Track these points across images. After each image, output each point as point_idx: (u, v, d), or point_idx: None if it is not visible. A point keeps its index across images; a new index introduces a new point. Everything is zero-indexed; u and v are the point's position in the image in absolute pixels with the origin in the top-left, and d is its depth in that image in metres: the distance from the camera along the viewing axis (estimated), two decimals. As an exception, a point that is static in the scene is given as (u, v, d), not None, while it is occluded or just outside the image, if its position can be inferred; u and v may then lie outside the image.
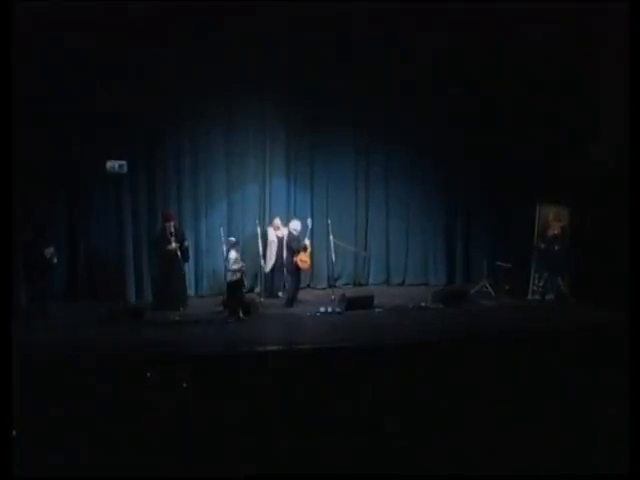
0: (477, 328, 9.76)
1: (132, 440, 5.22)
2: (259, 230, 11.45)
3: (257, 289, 11.84)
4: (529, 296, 11.82)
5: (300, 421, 5.59)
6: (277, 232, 11.70)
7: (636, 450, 4.45)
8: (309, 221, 11.42)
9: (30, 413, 5.33)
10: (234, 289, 10.24)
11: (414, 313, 10.79)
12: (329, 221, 11.65)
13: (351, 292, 11.51)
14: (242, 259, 10.56)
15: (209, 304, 11.15)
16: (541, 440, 5.22)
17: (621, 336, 5.90)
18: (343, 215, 12.61)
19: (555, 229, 11.64)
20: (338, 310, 10.68)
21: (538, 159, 11.55)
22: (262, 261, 11.42)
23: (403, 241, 13.06)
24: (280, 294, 11.72)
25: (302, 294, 11.54)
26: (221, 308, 10.46)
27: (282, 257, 11.57)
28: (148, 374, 6.45)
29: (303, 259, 11.06)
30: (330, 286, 11.95)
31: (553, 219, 11.71)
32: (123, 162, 10.61)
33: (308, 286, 12.26)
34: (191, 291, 11.68)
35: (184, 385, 6.21)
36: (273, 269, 11.72)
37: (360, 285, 12.86)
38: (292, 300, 11.05)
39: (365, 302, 10.89)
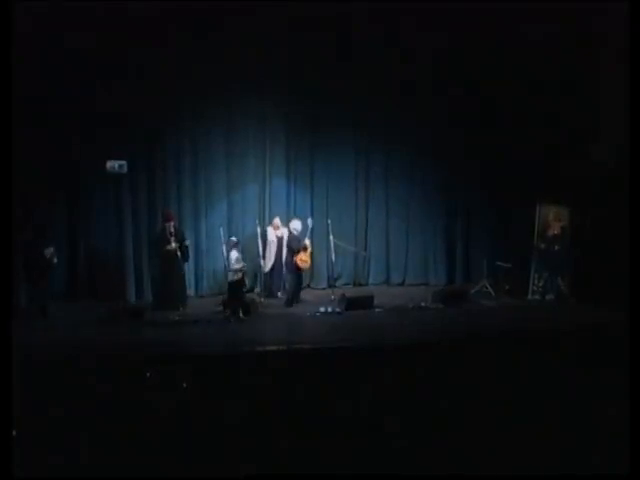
0: (477, 328, 9.76)
1: (132, 440, 5.22)
2: (259, 230, 11.45)
3: (257, 289, 11.84)
4: (529, 296, 11.82)
5: (300, 421, 5.59)
6: (277, 232, 11.70)
7: (636, 450, 4.45)
8: (310, 221, 11.41)
9: (30, 413, 5.33)
10: (235, 289, 10.25)
11: (414, 313, 10.79)
12: (329, 221, 11.65)
13: (351, 292, 11.51)
14: (243, 259, 10.57)
15: (209, 304, 11.15)
16: (541, 440, 5.22)
17: (621, 336, 5.90)
18: (343, 215, 12.61)
19: (555, 229, 11.64)
20: (338, 310, 10.68)
21: (538, 159, 11.55)
22: (262, 261, 11.42)
23: (403, 241, 13.05)
24: (279, 294, 11.73)
25: (302, 294, 11.55)
26: (221, 308, 10.46)
27: (281, 257, 11.57)
28: (148, 374, 6.45)
29: (303, 259, 11.07)
30: (330, 286, 11.94)
31: (553, 219, 11.71)
32: (123, 162, 10.60)
33: (308, 286, 12.26)
34: (191, 291, 11.69)
35: (184, 385, 6.20)
36: (272, 269, 11.72)
37: (360, 285, 12.85)
38: (292, 300, 11.06)
39: (365, 302, 10.89)
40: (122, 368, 6.96)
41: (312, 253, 11.51)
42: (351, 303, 10.72)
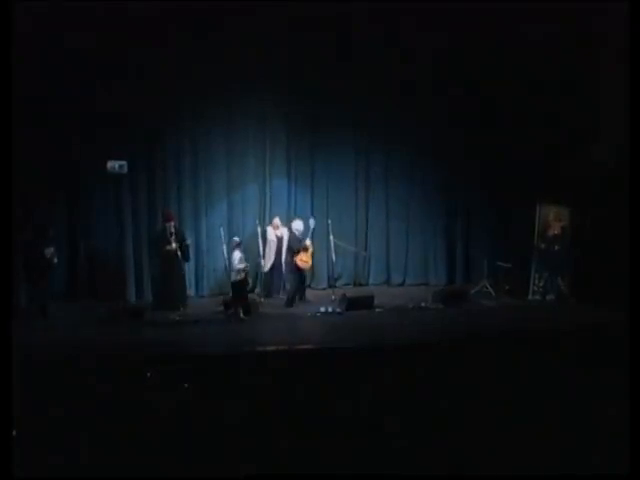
0: (477, 328, 9.76)
1: (132, 440, 5.22)
2: (259, 230, 11.46)
3: (257, 289, 11.84)
4: (529, 296, 11.81)
5: (300, 421, 5.59)
6: (276, 231, 11.69)
7: (636, 450, 4.45)
8: (312, 221, 11.39)
9: (30, 413, 5.32)
10: (239, 288, 10.26)
11: (414, 313, 10.79)
12: (329, 221, 11.65)
13: (351, 292, 11.50)
14: (245, 259, 10.59)
15: (209, 304, 11.16)
16: (541, 440, 5.21)
17: (621, 336, 5.90)
18: (343, 215, 12.61)
19: (555, 229, 11.65)
20: (338, 310, 10.68)
21: (538, 159, 11.54)
22: (262, 261, 11.42)
23: (403, 241, 13.06)
24: (280, 294, 11.72)
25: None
26: (222, 308, 10.46)
27: (281, 257, 11.58)
28: (148, 374, 6.45)
29: (304, 259, 11.07)
30: (330, 286, 11.95)
31: (553, 219, 11.71)
32: (123, 162, 10.59)
33: (308, 286, 12.25)
34: (191, 291, 11.70)
35: (185, 385, 6.20)
36: (272, 268, 11.71)
37: (360, 285, 12.86)
38: (292, 300, 11.05)
39: (365, 302, 10.88)
40: (122, 368, 6.96)
41: (313, 253, 11.50)
42: (352, 303, 10.72)
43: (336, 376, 6.66)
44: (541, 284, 11.73)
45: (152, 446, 5.15)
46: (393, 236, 13.02)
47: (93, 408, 5.81)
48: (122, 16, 10.41)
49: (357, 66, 11.95)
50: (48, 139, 10.60)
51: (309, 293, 11.80)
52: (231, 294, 10.35)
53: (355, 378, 6.58)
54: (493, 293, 11.88)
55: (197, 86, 11.45)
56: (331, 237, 11.44)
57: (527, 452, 5.06)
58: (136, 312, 10.17)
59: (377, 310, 10.80)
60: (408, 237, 13.04)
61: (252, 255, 11.40)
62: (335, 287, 11.89)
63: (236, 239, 10.69)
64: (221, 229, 11.21)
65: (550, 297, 11.58)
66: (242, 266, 10.26)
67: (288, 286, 11.47)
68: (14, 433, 4.57)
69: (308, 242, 11.16)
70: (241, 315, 10.02)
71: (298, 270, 11.10)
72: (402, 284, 13.03)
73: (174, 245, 10.68)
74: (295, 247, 11.06)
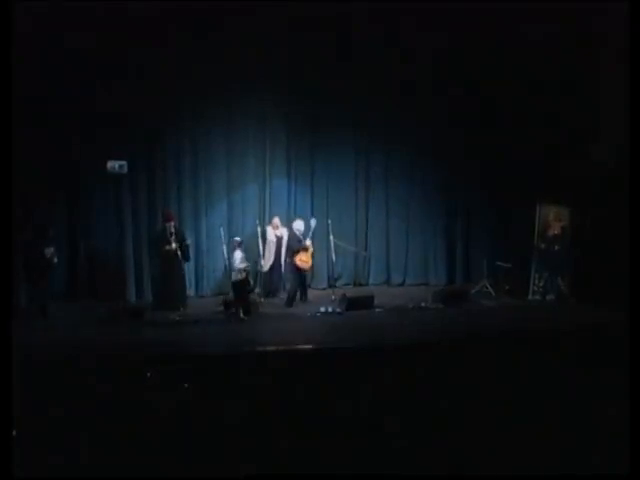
0: (477, 328, 9.76)
1: (132, 440, 5.22)
2: (259, 230, 11.45)
3: (257, 289, 11.84)
4: (529, 296, 11.81)
5: (300, 421, 5.58)
6: (276, 231, 11.69)
7: (636, 450, 4.45)
8: (313, 221, 11.38)
9: (30, 413, 5.32)
10: (240, 288, 10.26)
11: (414, 313, 10.79)
12: (329, 221, 11.65)
13: (351, 292, 11.51)
14: (246, 259, 10.60)
15: (209, 304, 11.16)
16: (541, 440, 5.21)
17: (621, 336, 5.90)
18: (343, 215, 12.62)
19: (555, 229, 11.65)
20: (338, 310, 10.67)
21: (538, 159, 11.55)
22: (261, 260, 11.42)
23: (403, 241, 13.06)
24: (280, 294, 11.72)
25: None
26: (222, 308, 10.46)
27: (280, 256, 11.57)
28: (148, 374, 6.45)
29: (303, 259, 11.06)
30: (330, 286, 11.95)
31: (553, 219, 11.71)
32: (123, 162, 10.60)
33: (309, 286, 12.25)
34: (191, 291, 11.70)
35: (185, 385, 6.20)
36: (272, 268, 11.71)
37: (360, 285, 12.87)
38: (292, 300, 11.05)
39: (365, 302, 10.89)
40: (122, 368, 6.96)
41: (313, 253, 11.50)
42: (351, 303, 10.72)
43: (336, 376, 6.65)
44: (541, 284, 11.73)
45: (152, 446, 5.15)
46: (393, 236, 13.03)
47: (93, 408, 5.80)
48: (122, 16, 10.41)
49: (357, 66, 11.95)
50: (48, 139, 10.60)
51: (309, 293, 11.80)
52: (232, 294, 10.36)
53: (355, 378, 6.57)
54: (493, 293, 11.88)
55: (197, 86, 11.45)
56: (331, 237, 11.44)
57: (527, 452, 5.06)
58: (136, 312, 10.17)
59: (377, 310, 10.79)
60: (408, 237, 13.05)
61: (252, 255, 11.40)
62: (335, 287, 11.89)
63: (237, 239, 10.73)
64: (221, 229, 11.21)
65: (550, 297, 11.58)
66: (243, 266, 10.28)
67: (288, 286, 11.47)
68: (14, 433, 4.57)
69: (308, 242, 11.15)
70: (241, 315, 10.02)
71: (298, 270, 11.10)
72: (402, 284, 13.03)
73: (174, 245, 10.68)
74: (294, 247, 11.06)
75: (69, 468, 4.90)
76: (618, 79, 9.50)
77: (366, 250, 12.89)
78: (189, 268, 11.49)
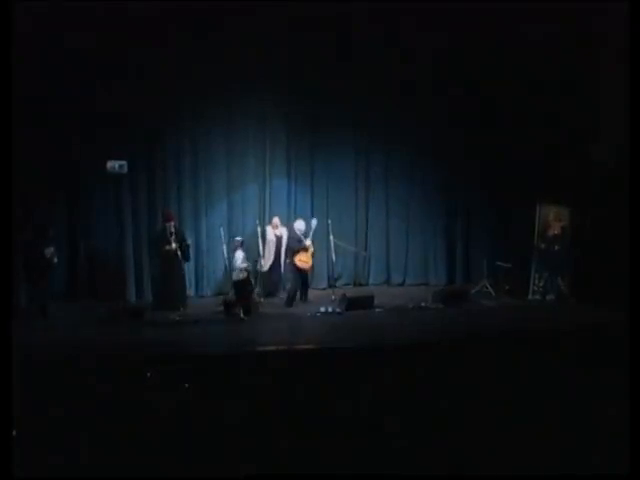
0: (477, 328, 9.75)
1: (132, 440, 5.22)
2: (259, 230, 11.46)
3: (257, 289, 11.83)
4: (529, 296, 11.81)
5: (300, 421, 5.58)
6: (276, 231, 11.69)
7: (636, 450, 4.45)
8: (314, 221, 11.36)
9: (30, 413, 5.32)
10: (241, 288, 10.27)
11: (414, 313, 10.78)
12: (329, 221, 11.64)
13: (351, 292, 11.51)
14: (247, 259, 10.60)
15: (209, 304, 11.16)
16: (541, 440, 5.21)
17: (621, 336, 5.90)
18: (343, 215, 12.62)
19: (555, 229, 11.65)
20: (338, 310, 10.67)
21: (538, 159, 11.55)
22: (261, 260, 11.42)
23: (403, 241, 13.07)
24: (279, 294, 11.72)
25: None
26: (222, 308, 10.46)
27: (280, 256, 11.57)
28: (148, 374, 6.45)
29: (303, 259, 11.05)
30: (330, 286, 11.95)
31: (553, 219, 11.71)
32: (123, 162, 10.60)
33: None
34: (191, 291, 11.70)
35: (185, 385, 6.20)
36: (271, 268, 11.71)
37: (360, 285, 12.87)
38: (292, 300, 11.05)
39: (365, 302, 10.88)
40: (122, 368, 6.95)
41: (314, 253, 11.50)
42: (351, 303, 10.72)
43: (336, 376, 6.65)
44: (541, 284, 11.73)
45: (152, 446, 5.15)
46: (393, 236, 13.03)
47: (93, 408, 5.80)
48: (122, 16, 10.41)
49: (357, 66, 11.95)
50: (48, 139, 10.61)
51: (309, 293, 11.79)
52: (233, 293, 10.36)
53: (355, 378, 6.57)
54: (493, 293, 11.88)
55: (197, 86, 11.45)
56: (331, 237, 11.44)
57: (527, 452, 5.06)
58: (136, 312, 10.17)
59: (377, 310, 10.79)
60: (408, 237, 13.05)
61: (252, 255, 11.40)
62: (335, 287, 11.90)
63: (239, 239, 10.78)
64: (221, 229, 11.22)
65: (550, 297, 11.58)
66: (244, 265, 10.30)
67: (288, 286, 11.47)
68: (14, 433, 4.57)
69: (308, 242, 11.15)
70: (241, 315, 10.02)
71: (298, 270, 11.09)
72: (402, 284, 13.04)
73: (174, 245, 10.68)
74: (294, 247, 11.05)
75: (69, 468, 4.90)
76: (618, 79, 9.51)
77: (366, 250, 12.89)
78: (189, 268, 11.50)
